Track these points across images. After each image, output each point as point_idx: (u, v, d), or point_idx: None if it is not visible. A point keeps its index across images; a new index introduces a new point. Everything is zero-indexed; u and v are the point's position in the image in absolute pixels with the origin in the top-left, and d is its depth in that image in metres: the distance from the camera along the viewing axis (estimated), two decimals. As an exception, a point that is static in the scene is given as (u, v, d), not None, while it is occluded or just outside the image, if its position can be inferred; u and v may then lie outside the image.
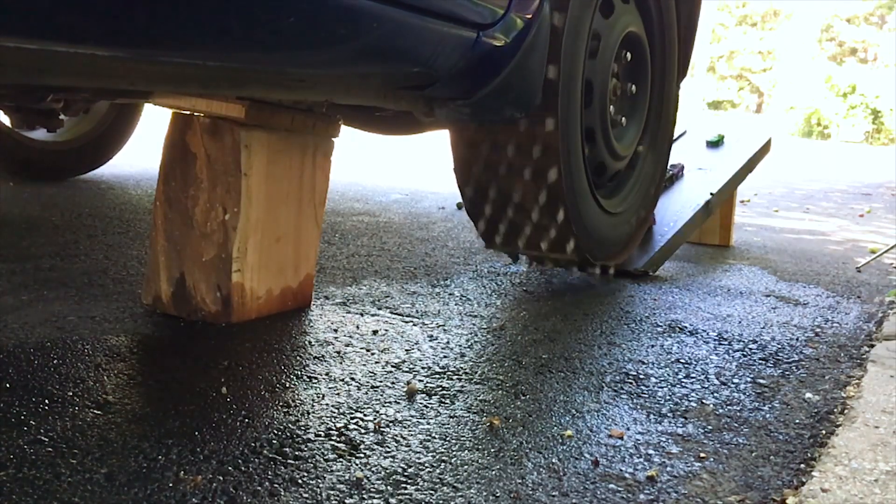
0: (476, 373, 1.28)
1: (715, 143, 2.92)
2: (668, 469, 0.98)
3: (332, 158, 1.59)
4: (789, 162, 9.36)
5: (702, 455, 1.02)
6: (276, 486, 0.86)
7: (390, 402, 1.12)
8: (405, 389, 1.18)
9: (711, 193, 2.49)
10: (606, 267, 2.05)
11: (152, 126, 3.17)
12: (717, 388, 1.29)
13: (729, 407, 1.21)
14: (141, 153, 3.71)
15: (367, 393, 1.15)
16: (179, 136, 1.41)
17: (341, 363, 1.27)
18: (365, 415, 1.07)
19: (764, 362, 1.45)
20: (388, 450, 0.97)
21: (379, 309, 1.61)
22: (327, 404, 1.10)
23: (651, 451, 1.02)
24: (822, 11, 32.01)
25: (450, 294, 1.79)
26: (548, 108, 1.66)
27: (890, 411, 1.17)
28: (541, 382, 1.26)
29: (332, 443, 0.98)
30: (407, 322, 1.54)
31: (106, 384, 1.11)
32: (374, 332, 1.45)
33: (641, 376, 1.32)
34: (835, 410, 1.21)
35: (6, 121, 2.85)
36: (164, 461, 0.90)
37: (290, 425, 1.02)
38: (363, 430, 1.02)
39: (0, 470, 0.85)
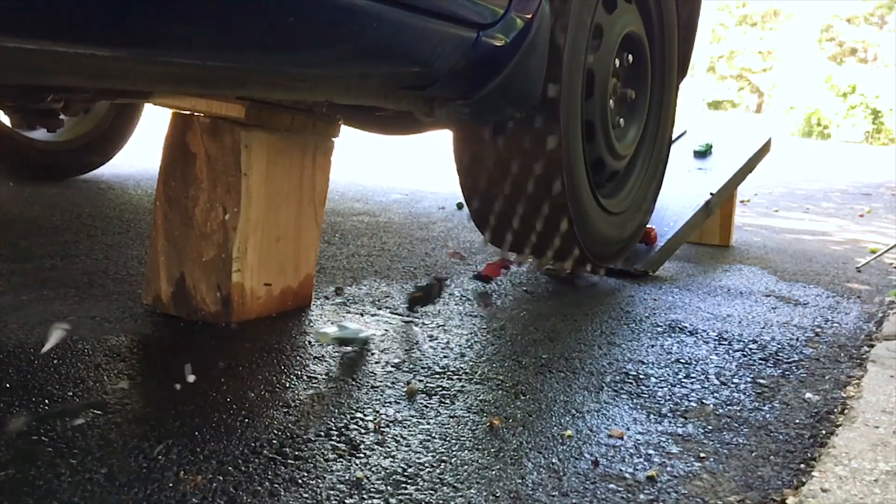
0: (476, 373, 1.28)
1: (702, 153, 2.88)
2: (668, 469, 0.98)
3: (332, 158, 1.59)
4: (789, 162, 9.36)
5: (702, 455, 1.02)
6: (276, 486, 0.86)
7: (390, 402, 1.12)
8: (405, 389, 1.18)
9: (711, 193, 2.49)
10: (608, 267, 2.05)
11: (152, 126, 3.17)
12: (717, 388, 1.29)
13: (729, 407, 1.21)
14: (141, 153, 3.71)
15: (367, 393, 1.15)
16: (179, 136, 1.41)
17: (341, 363, 1.27)
18: (365, 415, 1.07)
19: (764, 362, 1.45)
20: (388, 450, 0.97)
21: (379, 309, 1.61)
22: (327, 404, 1.10)
23: (651, 451, 1.02)
24: (822, 11, 31.99)
25: (450, 294, 1.79)
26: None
27: (890, 411, 1.17)
28: (541, 382, 1.26)
29: (332, 443, 0.98)
30: (407, 322, 1.54)
31: (106, 384, 1.11)
32: (374, 332, 1.45)
33: (641, 376, 1.32)
34: (835, 410, 1.21)
35: (6, 121, 2.85)
36: (164, 461, 0.90)
37: (290, 425, 1.02)
38: (363, 430, 1.02)
39: (0, 470, 0.85)
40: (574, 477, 0.94)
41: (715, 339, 1.57)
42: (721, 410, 1.19)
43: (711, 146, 2.89)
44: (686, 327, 1.65)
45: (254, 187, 1.39)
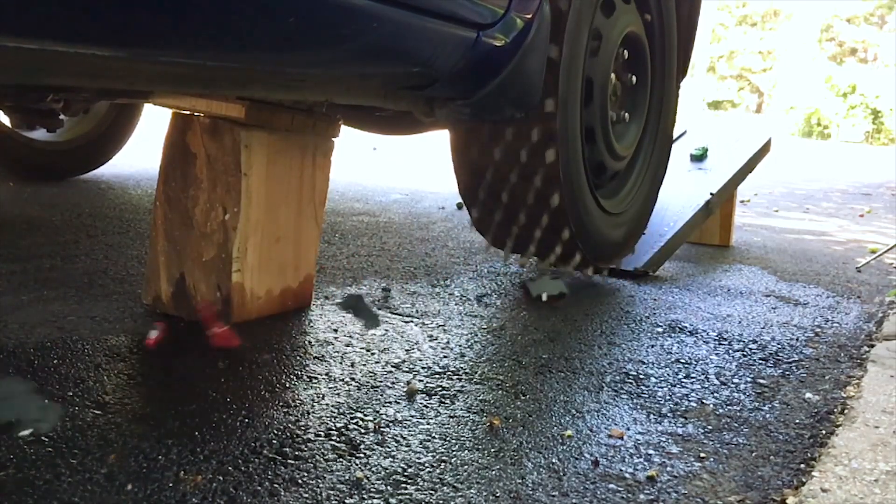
0: (476, 373, 1.28)
1: (699, 157, 2.86)
2: (668, 469, 0.98)
3: (332, 158, 1.59)
4: (789, 162, 9.36)
5: (702, 455, 1.02)
6: (276, 486, 0.86)
7: (390, 402, 1.12)
8: (405, 389, 1.18)
9: (711, 193, 2.49)
10: (609, 267, 2.05)
11: (152, 126, 3.17)
12: (717, 388, 1.29)
13: (729, 407, 1.21)
14: (141, 153, 3.71)
15: (367, 393, 1.15)
16: (179, 136, 1.41)
17: (341, 363, 1.27)
18: (365, 415, 1.07)
19: (764, 362, 1.45)
20: (388, 450, 0.97)
21: (379, 309, 1.61)
22: (327, 404, 1.10)
23: (651, 451, 1.02)
24: (822, 11, 31.99)
25: (450, 294, 1.79)
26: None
27: (890, 411, 1.17)
28: (541, 382, 1.26)
29: (332, 443, 0.98)
30: (407, 322, 1.54)
31: (106, 384, 1.11)
32: (374, 332, 1.45)
33: (641, 376, 1.32)
34: (835, 410, 1.21)
35: (6, 121, 2.85)
36: (164, 461, 0.90)
37: (290, 425, 1.02)
38: (363, 430, 1.02)
39: (0, 470, 0.85)
40: (574, 477, 0.94)
41: (715, 339, 1.57)
42: (721, 410, 1.19)
43: (707, 150, 2.88)
44: (686, 327, 1.65)
45: (254, 187, 1.39)
